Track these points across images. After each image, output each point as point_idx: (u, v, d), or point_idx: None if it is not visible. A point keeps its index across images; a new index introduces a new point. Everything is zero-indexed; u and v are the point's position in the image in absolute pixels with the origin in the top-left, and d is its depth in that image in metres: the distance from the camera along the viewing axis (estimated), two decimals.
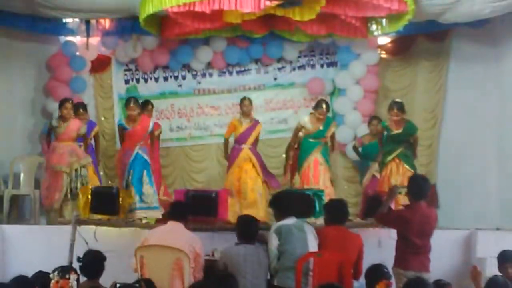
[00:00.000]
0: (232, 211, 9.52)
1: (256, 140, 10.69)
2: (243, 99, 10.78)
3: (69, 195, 9.98)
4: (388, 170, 10.16)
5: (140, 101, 10.56)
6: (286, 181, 10.72)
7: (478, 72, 11.54)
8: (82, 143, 10.40)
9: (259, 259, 7.24)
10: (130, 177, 9.95)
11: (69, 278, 6.14)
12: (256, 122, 10.72)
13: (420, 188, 7.43)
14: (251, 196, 10.35)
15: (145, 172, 10.02)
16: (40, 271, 6.47)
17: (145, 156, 10.08)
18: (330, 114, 11.27)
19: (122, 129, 10.27)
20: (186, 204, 7.98)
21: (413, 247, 7.26)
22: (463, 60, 11.77)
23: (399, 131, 10.16)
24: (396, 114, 10.11)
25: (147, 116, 10.58)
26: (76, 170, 10.09)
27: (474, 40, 11.60)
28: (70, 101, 10.35)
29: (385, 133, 10.25)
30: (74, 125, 10.27)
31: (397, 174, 10.07)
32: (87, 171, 10.23)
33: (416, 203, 7.34)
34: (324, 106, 10.50)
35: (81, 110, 10.81)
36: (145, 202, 9.90)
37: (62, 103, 10.29)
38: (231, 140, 10.78)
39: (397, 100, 10.49)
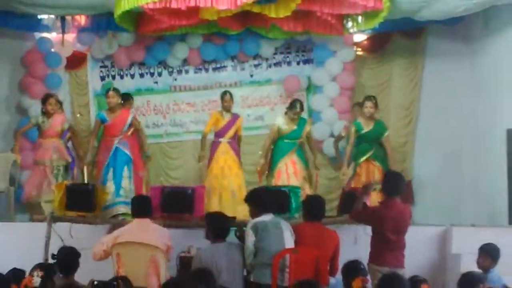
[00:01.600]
0: (213, 209, 9.56)
1: (236, 134, 10.67)
2: (223, 94, 10.75)
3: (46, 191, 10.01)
4: (362, 168, 10.23)
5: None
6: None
7: (453, 69, 11.60)
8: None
9: (233, 256, 7.23)
10: (109, 174, 9.92)
11: (32, 276, 6.16)
12: (236, 116, 10.72)
13: (395, 184, 7.46)
14: (240, 194, 10.30)
15: (125, 168, 9.98)
16: (14, 268, 6.44)
17: (126, 151, 10.03)
18: (305, 113, 11.33)
19: (100, 122, 10.17)
20: (148, 199, 7.93)
21: (388, 243, 7.29)
22: (438, 57, 11.84)
23: (370, 128, 10.23)
24: (370, 106, 10.18)
25: (127, 109, 10.55)
26: (57, 167, 10.12)
27: (449, 37, 11.68)
28: (54, 97, 10.39)
29: (355, 132, 10.30)
30: (58, 120, 10.32)
31: (370, 172, 10.15)
32: (65, 170, 10.28)
33: (391, 199, 7.36)
34: (298, 106, 10.50)
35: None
36: (123, 197, 9.88)
37: (46, 99, 10.33)
38: (209, 137, 10.75)
39: (371, 95, 10.58)
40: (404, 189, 7.68)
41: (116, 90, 10.26)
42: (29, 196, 10.40)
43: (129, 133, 10.21)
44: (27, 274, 6.26)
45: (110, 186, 9.87)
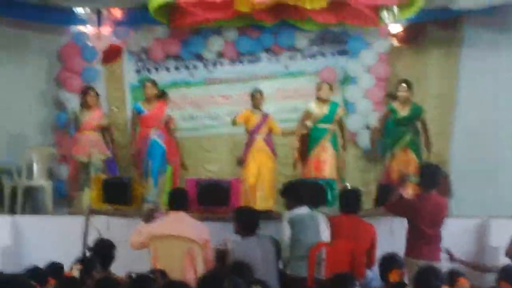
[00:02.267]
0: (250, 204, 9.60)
1: (270, 131, 10.65)
2: (254, 92, 10.75)
3: (84, 185, 10.07)
4: (397, 160, 10.16)
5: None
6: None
7: (491, 59, 11.46)
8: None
9: (266, 248, 7.24)
10: (148, 167, 9.96)
11: (71, 269, 6.23)
12: (265, 116, 10.64)
13: (432, 177, 7.42)
14: (268, 187, 10.31)
15: (162, 160, 10.03)
16: (52, 262, 6.51)
17: (162, 144, 10.08)
18: (339, 100, 11.28)
19: (137, 113, 10.23)
20: (185, 192, 7.93)
21: (423, 236, 7.26)
22: (475, 47, 11.69)
23: (406, 113, 10.13)
24: (404, 90, 10.10)
25: (163, 102, 10.62)
26: (95, 162, 10.19)
27: (486, 27, 11.53)
28: (94, 89, 10.46)
29: (391, 117, 10.21)
30: (97, 113, 10.38)
31: (406, 163, 10.06)
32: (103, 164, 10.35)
33: (428, 192, 7.32)
34: (325, 85, 10.48)
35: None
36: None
37: (86, 91, 10.39)
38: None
39: (404, 78, 10.50)
40: (441, 181, 7.62)
41: (152, 81, 10.33)
42: (71, 191, 10.45)
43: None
44: (65, 268, 6.33)
45: (150, 180, 9.91)
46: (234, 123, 10.72)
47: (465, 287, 5.59)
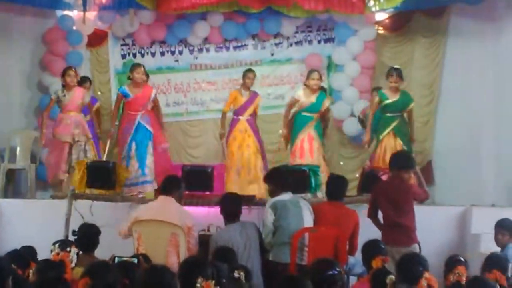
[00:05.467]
0: (235, 187, 9.60)
1: (255, 112, 10.65)
2: (248, 72, 10.68)
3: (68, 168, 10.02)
4: (383, 147, 10.16)
5: None
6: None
7: (476, 48, 11.47)
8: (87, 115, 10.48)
9: (249, 235, 7.24)
10: (132, 150, 9.88)
11: (69, 251, 6.18)
12: (255, 94, 10.68)
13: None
14: (254, 172, 10.35)
15: (149, 143, 9.96)
16: (24, 246, 6.48)
17: (148, 127, 10.00)
18: (326, 88, 11.31)
19: (122, 96, 10.10)
20: (177, 179, 7.91)
21: (389, 223, 7.39)
22: (460, 36, 11.72)
23: (395, 98, 10.13)
24: (395, 81, 10.10)
25: (148, 85, 10.56)
26: (78, 143, 10.10)
27: (472, 16, 11.54)
28: (73, 69, 10.36)
29: (381, 102, 10.21)
30: (79, 93, 10.28)
31: (392, 150, 10.06)
32: (90, 146, 10.26)
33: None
34: (315, 74, 10.42)
35: (88, 84, 11.06)
36: (148, 175, 9.88)
37: (65, 71, 10.30)
38: (229, 114, 10.74)
39: (396, 66, 10.48)
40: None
41: (144, 68, 10.25)
42: (53, 174, 10.37)
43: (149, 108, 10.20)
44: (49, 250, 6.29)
45: (134, 164, 9.86)
46: (223, 114, 10.78)
47: (463, 275, 5.59)
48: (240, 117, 10.54)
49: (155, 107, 10.24)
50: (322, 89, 10.66)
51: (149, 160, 9.90)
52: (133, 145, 9.85)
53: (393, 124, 10.13)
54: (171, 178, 7.83)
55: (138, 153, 9.84)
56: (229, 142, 10.52)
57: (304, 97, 10.42)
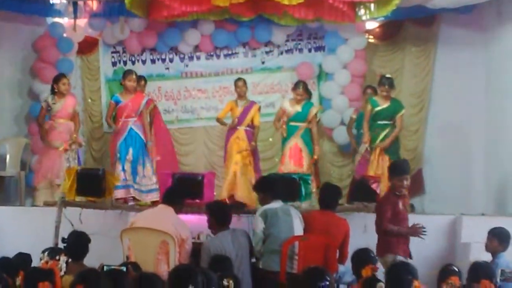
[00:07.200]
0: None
1: (253, 123, 10.65)
2: (236, 81, 10.78)
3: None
4: (376, 155, 10.20)
5: None
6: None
7: (466, 57, 11.53)
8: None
9: (240, 242, 7.24)
10: (121, 155, 9.87)
11: (58, 259, 6.16)
12: (252, 103, 10.72)
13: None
14: (245, 182, 10.34)
15: (141, 151, 9.97)
16: (20, 253, 6.46)
17: (140, 134, 10.01)
18: (316, 100, 11.36)
19: (115, 105, 10.12)
20: (179, 190, 7.93)
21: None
22: (450, 45, 11.76)
23: (386, 105, 10.20)
24: (386, 90, 10.18)
25: (141, 92, 10.58)
26: (71, 150, 10.13)
27: (462, 25, 11.59)
28: (66, 77, 10.37)
29: (371, 109, 10.27)
30: (71, 101, 10.31)
31: (382, 160, 10.13)
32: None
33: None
34: (301, 86, 10.54)
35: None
36: (143, 185, 9.89)
37: (59, 79, 10.32)
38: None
39: (388, 75, 10.55)
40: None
41: (136, 76, 10.28)
42: (41, 180, 10.37)
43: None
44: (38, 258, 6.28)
45: (128, 168, 9.87)
46: (218, 121, 10.86)
47: (456, 285, 5.59)
48: (238, 127, 10.55)
49: (155, 119, 10.35)
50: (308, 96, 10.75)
51: (140, 167, 9.91)
52: (127, 149, 9.87)
53: (384, 132, 10.20)
54: (174, 188, 7.87)
55: (133, 160, 9.86)
56: (228, 150, 10.53)
57: (290, 107, 10.51)
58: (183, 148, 12.37)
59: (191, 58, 12.33)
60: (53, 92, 10.38)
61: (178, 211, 7.52)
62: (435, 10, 10.92)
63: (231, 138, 10.53)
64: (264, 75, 12.34)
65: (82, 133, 11.28)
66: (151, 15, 11.15)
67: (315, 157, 10.55)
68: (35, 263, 6.48)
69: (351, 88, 11.91)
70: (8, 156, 11.00)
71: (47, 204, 9.69)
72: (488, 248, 7.45)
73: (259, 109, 10.84)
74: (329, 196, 7.82)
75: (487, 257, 7.41)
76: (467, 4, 10.35)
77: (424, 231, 7.43)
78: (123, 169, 9.83)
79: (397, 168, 7.73)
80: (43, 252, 6.43)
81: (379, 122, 10.27)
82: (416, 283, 5.16)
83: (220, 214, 7.44)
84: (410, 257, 7.37)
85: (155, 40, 12.08)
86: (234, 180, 10.18)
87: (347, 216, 8.08)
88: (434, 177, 11.33)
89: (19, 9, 11.16)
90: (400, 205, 7.46)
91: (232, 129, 10.55)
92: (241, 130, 10.53)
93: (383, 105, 10.25)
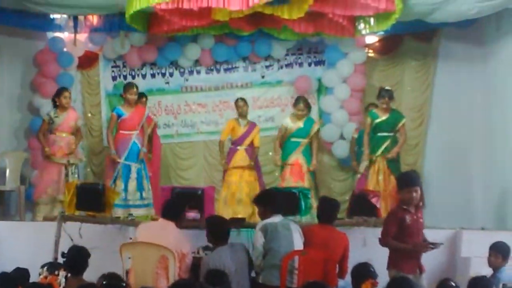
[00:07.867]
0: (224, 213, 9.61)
1: (253, 143, 10.73)
2: (236, 101, 10.88)
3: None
4: (376, 168, 10.21)
5: None
6: None
7: (466, 71, 11.55)
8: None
9: (239, 257, 7.23)
10: (123, 174, 9.89)
11: (58, 275, 6.15)
12: (253, 125, 10.81)
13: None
14: (246, 201, 10.35)
15: (142, 166, 10.00)
16: (18, 268, 6.45)
17: (141, 147, 10.06)
18: (315, 114, 11.40)
19: (117, 117, 10.15)
20: (179, 204, 7.92)
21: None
22: (450, 60, 11.80)
23: (386, 117, 10.25)
24: (386, 102, 10.26)
25: (142, 106, 10.61)
26: (72, 165, 10.16)
27: (461, 40, 11.63)
28: (69, 91, 10.41)
29: (371, 121, 10.31)
30: (73, 115, 10.35)
31: (384, 174, 10.12)
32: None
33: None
34: (301, 102, 10.63)
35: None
36: (145, 199, 9.91)
37: (60, 92, 10.37)
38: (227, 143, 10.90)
39: (387, 88, 10.59)
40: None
41: (137, 89, 10.32)
42: (41, 194, 10.37)
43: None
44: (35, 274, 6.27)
45: (132, 184, 9.89)
46: (221, 143, 10.98)
47: None
48: (239, 147, 10.63)
49: (154, 136, 10.39)
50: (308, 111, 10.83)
51: (145, 182, 9.96)
52: (130, 164, 9.89)
53: (385, 145, 10.23)
54: (170, 202, 7.85)
55: (137, 177, 9.89)
56: (231, 173, 10.59)
57: (292, 123, 10.58)
58: (183, 163, 12.38)
59: (191, 72, 12.35)
60: (54, 105, 10.44)
61: (178, 225, 7.50)
62: (434, 25, 10.95)
63: (233, 159, 10.60)
64: (264, 89, 12.36)
65: (82, 147, 11.27)
66: (151, 30, 11.19)
67: (311, 169, 10.60)
68: (34, 278, 6.47)
69: (350, 102, 11.93)
70: (8, 171, 11.00)
71: (46, 219, 9.69)
72: (491, 263, 7.41)
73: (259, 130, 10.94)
74: (327, 210, 7.79)
75: (487, 271, 7.40)
76: (466, 18, 10.37)
77: (432, 247, 7.24)
78: (125, 189, 9.85)
79: (405, 180, 7.45)
80: (42, 267, 6.42)
81: (379, 134, 10.33)
82: None
83: (219, 229, 7.43)
84: (421, 273, 7.27)
85: (155, 55, 12.11)
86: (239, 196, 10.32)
87: (347, 230, 8.05)
88: (434, 191, 11.31)
89: (19, 23, 11.18)
90: (408, 219, 7.22)
91: (234, 149, 10.64)
92: (242, 150, 10.61)
93: (383, 117, 10.32)
